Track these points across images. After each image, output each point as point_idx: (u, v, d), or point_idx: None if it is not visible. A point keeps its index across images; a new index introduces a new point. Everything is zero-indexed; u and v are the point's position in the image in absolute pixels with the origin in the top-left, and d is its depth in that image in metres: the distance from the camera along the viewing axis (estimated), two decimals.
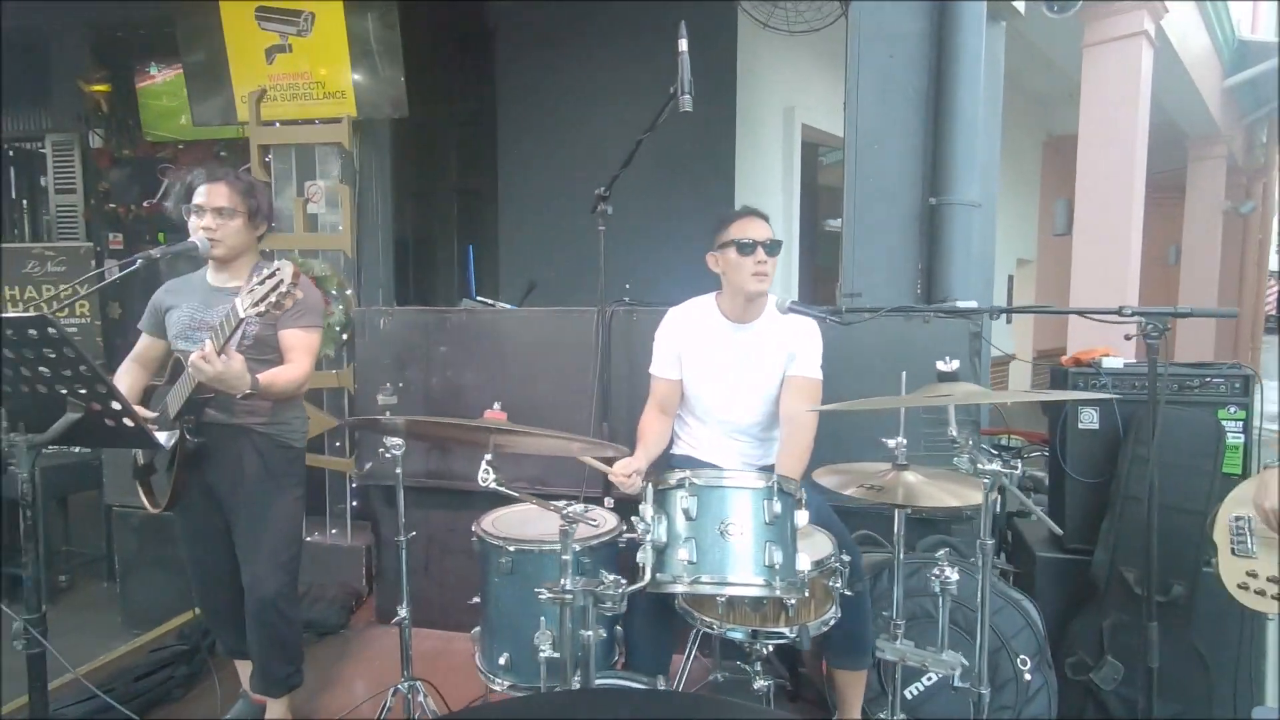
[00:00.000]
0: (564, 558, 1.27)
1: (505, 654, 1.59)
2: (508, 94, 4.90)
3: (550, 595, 1.23)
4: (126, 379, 2.00)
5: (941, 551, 1.47)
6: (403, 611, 1.91)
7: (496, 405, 1.54)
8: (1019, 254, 10.58)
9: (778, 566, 1.23)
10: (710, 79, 4.78)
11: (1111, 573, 2.19)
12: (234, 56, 3.64)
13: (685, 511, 1.26)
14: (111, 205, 6.29)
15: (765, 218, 2.00)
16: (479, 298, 2.92)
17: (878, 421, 2.19)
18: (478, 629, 1.73)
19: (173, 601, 3.09)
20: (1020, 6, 4.16)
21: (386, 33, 3.48)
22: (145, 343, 2.03)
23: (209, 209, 1.89)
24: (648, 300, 2.59)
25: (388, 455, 1.76)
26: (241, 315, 1.59)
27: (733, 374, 2.03)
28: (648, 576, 1.25)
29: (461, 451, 2.63)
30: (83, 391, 1.38)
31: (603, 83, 4.70)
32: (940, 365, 1.49)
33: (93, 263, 6.47)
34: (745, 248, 1.91)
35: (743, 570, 1.23)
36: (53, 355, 1.32)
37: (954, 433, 1.39)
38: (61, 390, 1.38)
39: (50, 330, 1.28)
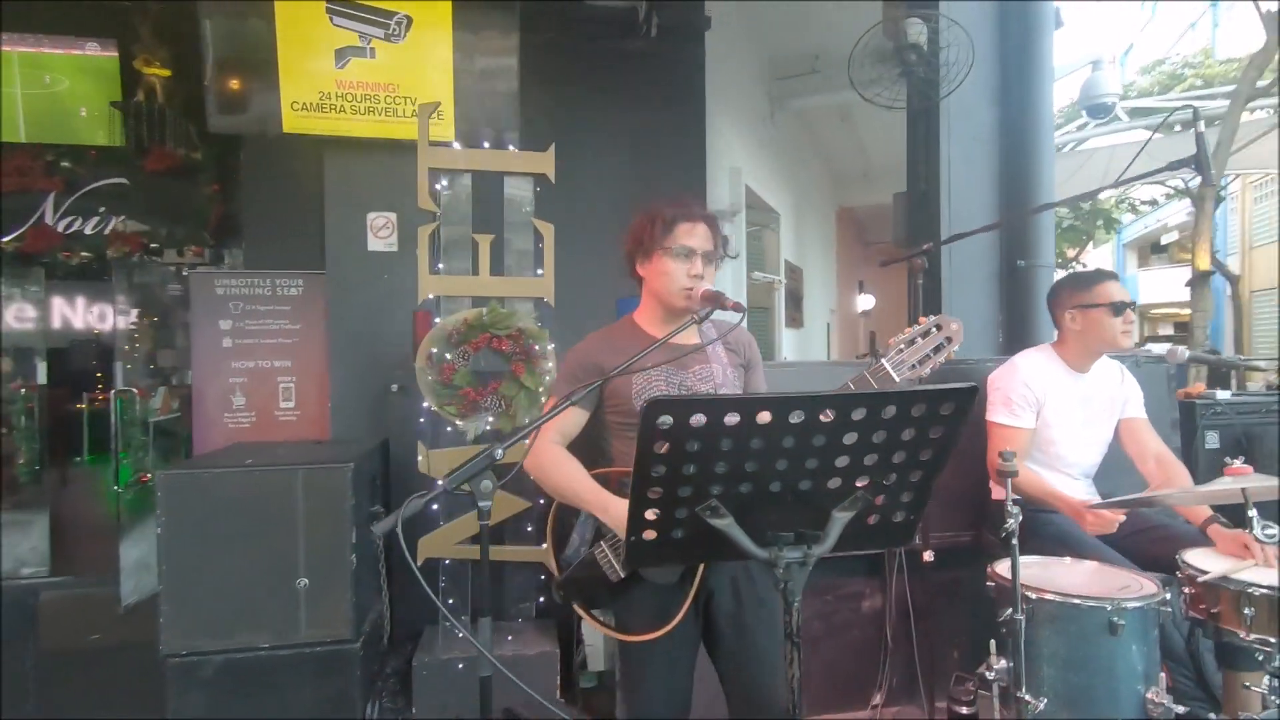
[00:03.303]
0: None
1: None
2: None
3: None
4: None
5: None
6: None
7: (1238, 461, 1.50)
8: (830, 304, 12.29)
9: None
10: (682, 137, 4.98)
11: None
12: (286, 54, 2.90)
13: None
14: None
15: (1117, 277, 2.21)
16: None
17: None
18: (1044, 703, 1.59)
19: None
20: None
21: (504, 45, 3.09)
22: (574, 415, 1.54)
23: (699, 253, 1.54)
24: None
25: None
26: (899, 380, 1.35)
27: (1080, 420, 2.20)
28: None
29: None
30: (887, 483, 1.07)
31: (616, 130, 4.62)
32: None
33: None
34: (1119, 308, 2.11)
35: None
36: (910, 435, 1.02)
37: None
38: (857, 481, 1.06)
39: (947, 408, 0.99)
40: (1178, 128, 12.61)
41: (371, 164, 3.10)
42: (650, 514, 1.04)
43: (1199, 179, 1.85)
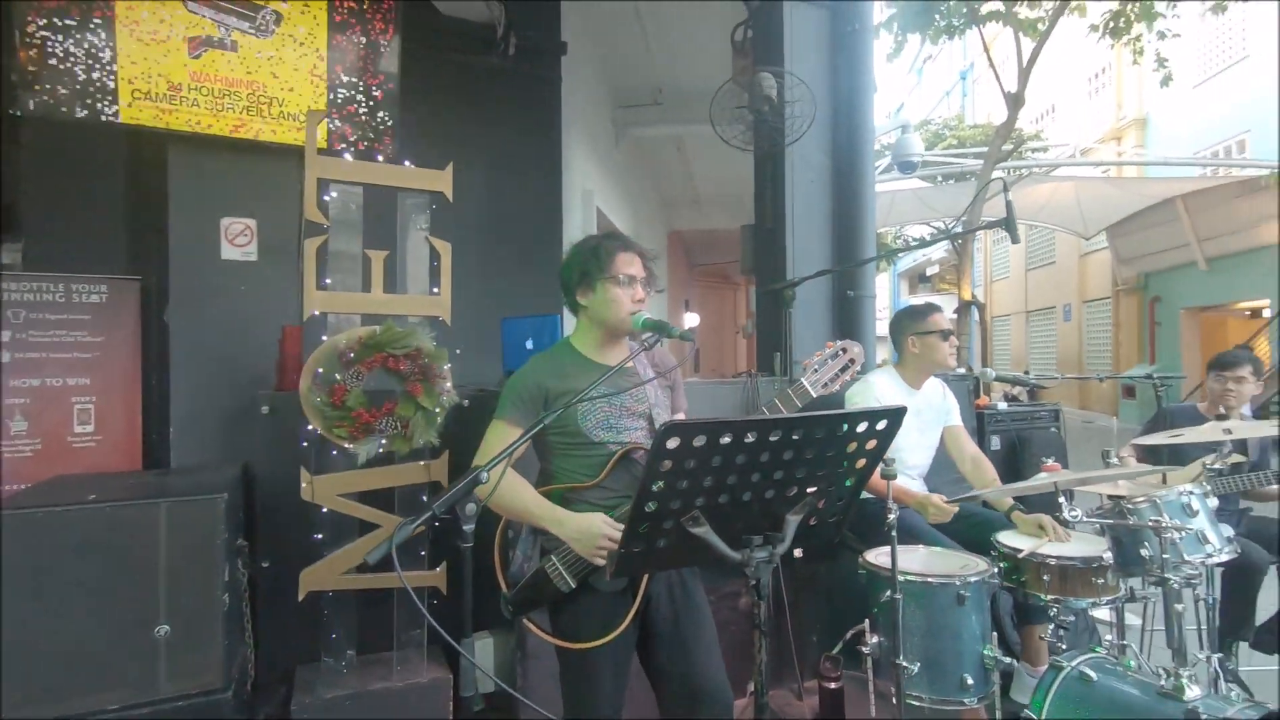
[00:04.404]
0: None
1: (965, 674, 1.87)
2: None
3: None
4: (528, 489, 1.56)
5: None
6: None
7: (1051, 459, 1.84)
8: None
9: None
10: (543, 161, 5.12)
11: None
12: (126, 37, 2.59)
13: None
14: None
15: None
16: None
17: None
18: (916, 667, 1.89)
19: None
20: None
21: (382, 57, 3.00)
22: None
23: (639, 279, 1.66)
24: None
25: None
26: (815, 395, 1.55)
27: (916, 429, 2.63)
28: None
29: None
30: (831, 488, 1.27)
31: (474, 146, 4.60)
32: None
33: None
34: (946, 335, 2.56)
35: None
36: (853, 448, 1.22)
37: None
38: (810, 489, 1.25)
39: (881, 425, 1.21)
40: (939, 178, 15.02)
41: (226, 165, 2.84)
42: (642, 527, 1.15)
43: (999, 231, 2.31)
